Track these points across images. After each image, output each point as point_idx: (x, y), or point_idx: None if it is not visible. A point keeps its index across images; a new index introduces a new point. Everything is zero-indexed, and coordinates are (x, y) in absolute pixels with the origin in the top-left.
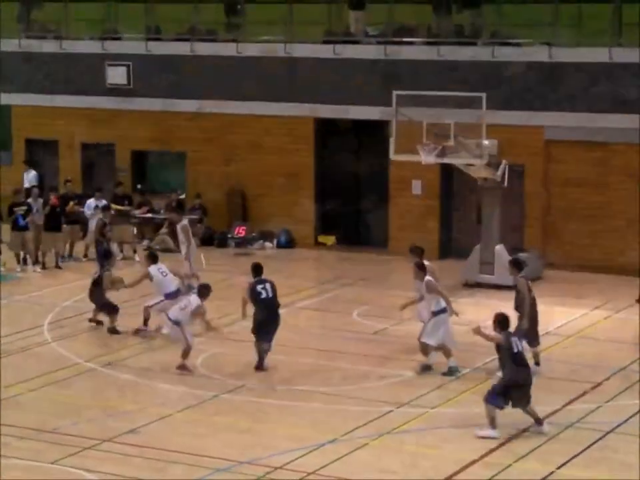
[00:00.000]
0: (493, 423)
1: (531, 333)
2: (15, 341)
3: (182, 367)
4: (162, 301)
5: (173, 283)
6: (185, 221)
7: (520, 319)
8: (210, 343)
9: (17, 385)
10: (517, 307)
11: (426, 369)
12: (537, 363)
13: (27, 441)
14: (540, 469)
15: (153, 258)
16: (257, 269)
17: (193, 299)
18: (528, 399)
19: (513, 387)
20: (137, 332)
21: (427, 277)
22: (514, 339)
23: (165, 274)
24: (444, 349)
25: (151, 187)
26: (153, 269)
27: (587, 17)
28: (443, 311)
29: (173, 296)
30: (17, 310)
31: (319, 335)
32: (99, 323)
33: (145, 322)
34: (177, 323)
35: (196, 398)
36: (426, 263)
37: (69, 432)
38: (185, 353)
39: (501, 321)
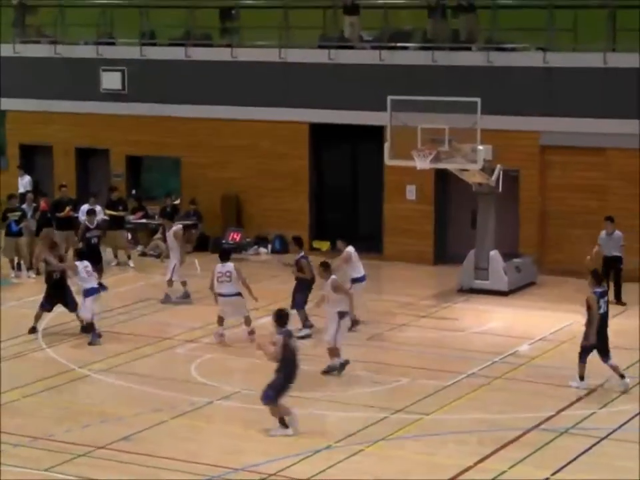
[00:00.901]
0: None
1: (601, 348)
2: (9, 347)
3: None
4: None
5: (93, 282)
6: (178, 226)
7: (587, 334)
8: (204, 349)
9: (11, 391)
10: (587, 323)
11: (333, 369)
12: (622, 376)
13: (21, 448)
14: (535, 475)
15: (80, 255)
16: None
17: None
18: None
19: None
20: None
21: (333, 276)
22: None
23: (89, 273)
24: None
25: (146, 193)
26: (79, 264)
27: (582, 22)
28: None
29: (90, 293)
30: (12, 316)
31: (313, 341)
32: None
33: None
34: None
35: (191, 404)
36: (349, 249)
37: (63, 439)
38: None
39: (280, 317)
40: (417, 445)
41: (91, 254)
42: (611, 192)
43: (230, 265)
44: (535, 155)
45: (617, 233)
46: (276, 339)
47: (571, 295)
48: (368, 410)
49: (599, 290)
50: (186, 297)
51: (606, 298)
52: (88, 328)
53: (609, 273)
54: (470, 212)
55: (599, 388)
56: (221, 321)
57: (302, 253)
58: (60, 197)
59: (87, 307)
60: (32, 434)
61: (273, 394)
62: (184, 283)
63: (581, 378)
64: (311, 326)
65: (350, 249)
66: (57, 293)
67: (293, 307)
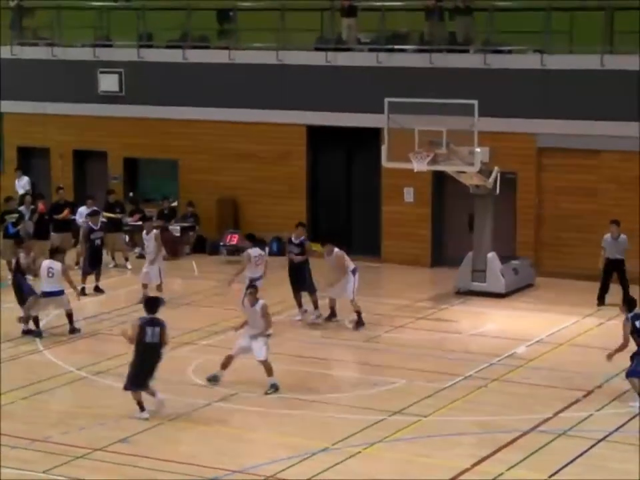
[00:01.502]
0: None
1: None
2: (6, 349)
3: None
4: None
5: (53, 284)
6: (158, 230)
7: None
8: (201, 351)
9: (8, 394)
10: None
11: (214, 379)
12: None
13: (18, 450)
14: (531, 478)
15: (51, 254)
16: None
17: None
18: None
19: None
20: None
21: (262, 301)
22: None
23: (51, 274)
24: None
25: (143, 195)
26: (45, 263)
27: (579, 24)
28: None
29: (47, 295)
30: (9, 317)
31: (311, 343)
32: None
33: (27, 320)
34: None
35: (187, 406)
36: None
37: (60, 441)
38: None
39: (147, 304)
40: (414, 447)
41: (94, 255)
42: (607, 195)
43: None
44: (531, 157)
45: (623, 236)
46: (133, 324)
47: (568, 297)
48: (365, 412)
49: (630, 315)
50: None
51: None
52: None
53: (611, 276)
54: (467, 214)
55: (596, 390)
56: None
57: (303, 237)
58: (57, 200)
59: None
60: (29, 436)
61: (128, 379)
62: (145, 286)
63: None
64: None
65: (338, 250)
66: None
67: (309, 290)
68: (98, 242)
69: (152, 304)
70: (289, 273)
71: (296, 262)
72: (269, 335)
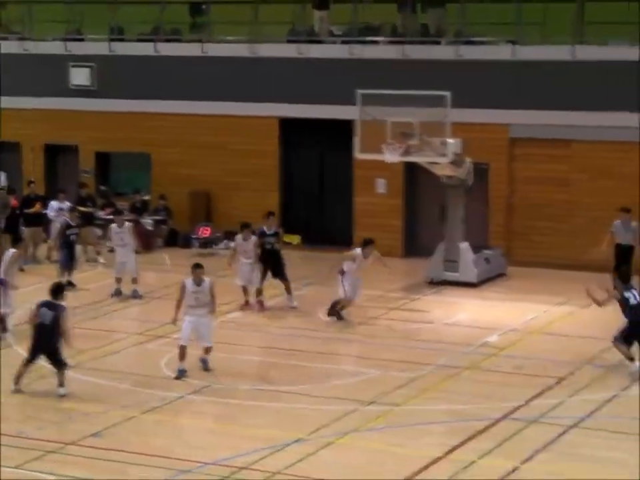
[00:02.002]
0: None
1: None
2: None
3: None
4: None
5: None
6: (131, 223)
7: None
8: (174, 344)
9: None
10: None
11: (181, 373)
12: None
13: None
14: (504, 465)
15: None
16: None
17: None
18: None
19: None
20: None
21: (208, 279)
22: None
23: None
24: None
25: (115, 189)
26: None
27: (550, 15)
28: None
29: None
30: None
31: (284, 335)
32: None
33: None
34: None
35: (160, 399)
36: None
37: (32, 436)
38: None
39: (54, 290)
40: (388, 437)
41: (69, 251)
42: (579, 185)
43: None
44: (504, 147)
45: (634, 223)
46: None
47: (540, 286)
48: (338, 402)
49: (625, 286)
50: (118, 295)
51: (635, 290)
52: None
53: (624, 259)
54: (439, 205)
55: (567, 377)
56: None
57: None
58: (28, 193)
59: None
60: (2, 431)
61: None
62: (119, 280)
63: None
64: None
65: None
66: None
67: (285, 277)
68: (73, 237)
69: (55, 289)
70: (264, 263)
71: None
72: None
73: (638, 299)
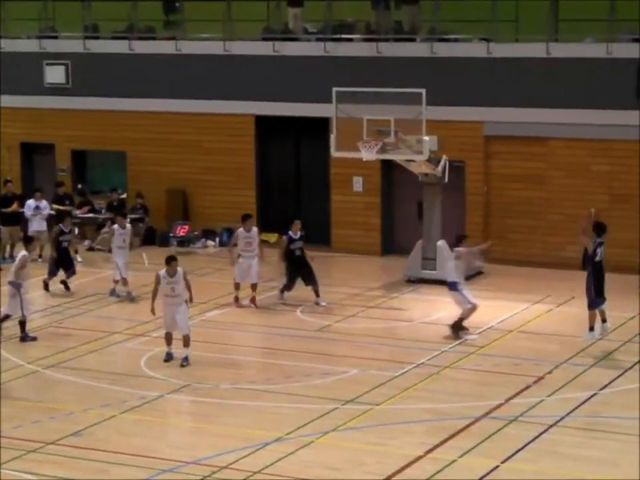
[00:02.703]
0: None
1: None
2: None
3: None
4: None
5: None
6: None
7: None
8: (154, 343)
9: None
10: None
11: (169, 356)
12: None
13: None
14: (484, 464)
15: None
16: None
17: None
18: None
19: None
20: None
21: (180, 269)
22: None
23: None
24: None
25: (92, 187)
26: None
27: (524, 12)
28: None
29: None
30: None
31: (263, 334)
32: None
33: None
34: None
35: (140, 398)
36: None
37: (12, 435)
38: None
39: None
40: (367, 436)
41: (63, 257)
42: (554, 182)
43: None
44: (479, 145)
45: None
46: None
47: (517, 284)
48: (318, 401)
49: (598, 240)
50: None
51: (602, 248)
52: None
53: None
54: (416, 203)
55: (546, 376)
56: None
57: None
58: (5, 192)
59: None
60: None
61: None
62: (125, 281)
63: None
64: None
65: None
66: None
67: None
68: (65, 244)
69: None
70: (295, 271)
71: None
72: (188, 301)
73: (601, 257)
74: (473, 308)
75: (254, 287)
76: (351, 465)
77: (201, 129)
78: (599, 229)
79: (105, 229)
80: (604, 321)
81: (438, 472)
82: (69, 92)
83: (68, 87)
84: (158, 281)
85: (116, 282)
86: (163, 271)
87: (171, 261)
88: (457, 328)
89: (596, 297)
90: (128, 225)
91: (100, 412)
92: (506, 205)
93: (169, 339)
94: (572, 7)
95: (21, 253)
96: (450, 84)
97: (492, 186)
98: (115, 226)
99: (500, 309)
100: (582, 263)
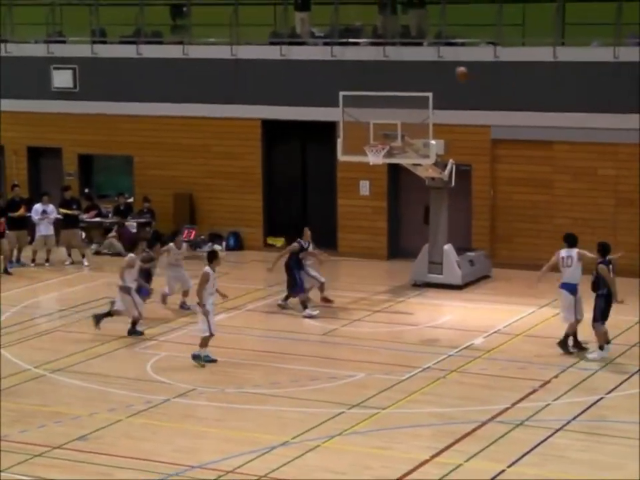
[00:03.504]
0: None
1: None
2: None
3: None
4: None
5: None
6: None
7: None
8: (160, 347)
9: None
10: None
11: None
12: (601, 347)
13: None
14: (490, 468)
15: None
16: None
17: None
18: None
19: None
20: None
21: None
22: None
23: None
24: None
25: (98, 191)
26: None
27: (531, 16)
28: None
29: None
30: None
31: (269, 337)
32: None
33: None
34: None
35: (146, 402)
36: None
37: (18, 439)
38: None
39: None
40: (373, 440)
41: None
42: (561, 186)
43: None
44: (486, 149)
45: None
46: None
47: (524, 288)
48: (324, 405)
49: (606, 260)
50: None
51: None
52: None
53: None
54: (423, 207)
55: (552, 380)
56: None
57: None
58: (13, 197)
59: None
60: None
61: None
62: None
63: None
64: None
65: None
66: None
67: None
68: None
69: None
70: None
71: None
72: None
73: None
74: (576, 322)
75: (322, 286)
76: (357, 469)
77: (208, 133)
78: (604, 249)
79: (112, 233)
80: (607, 342)
81: (444, 476)
82: (76, 96)
83: (75, 92)
84: (207, 279)
85: (165, 296)
86: (207, 268)
87: (214, 257)
88: (563, 344)
89: (602, 320)
90: (184, 245)
91: (106, 416)
92: (512, 209)
93: (206, 343)
94: (578, 11)
95: (129, 255)
96: (457, 88)
97: (498, 190)
98: (171, 244)
99: (506, 313)
100: (592, 286)
